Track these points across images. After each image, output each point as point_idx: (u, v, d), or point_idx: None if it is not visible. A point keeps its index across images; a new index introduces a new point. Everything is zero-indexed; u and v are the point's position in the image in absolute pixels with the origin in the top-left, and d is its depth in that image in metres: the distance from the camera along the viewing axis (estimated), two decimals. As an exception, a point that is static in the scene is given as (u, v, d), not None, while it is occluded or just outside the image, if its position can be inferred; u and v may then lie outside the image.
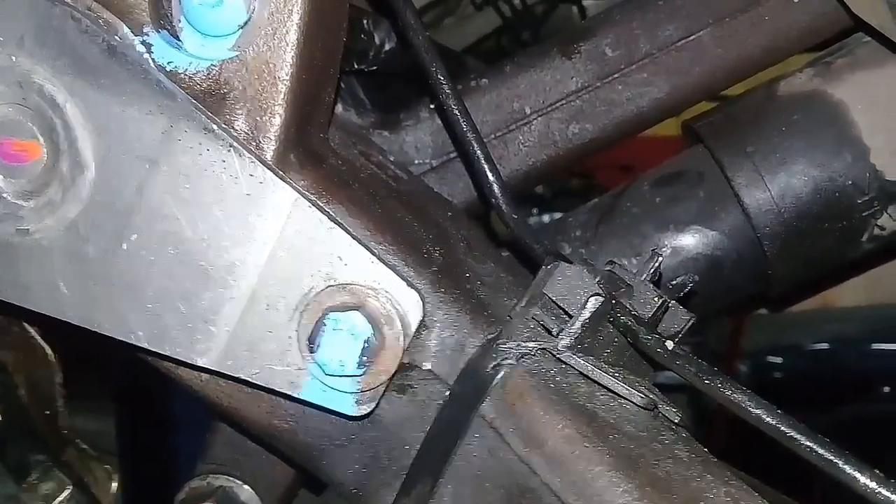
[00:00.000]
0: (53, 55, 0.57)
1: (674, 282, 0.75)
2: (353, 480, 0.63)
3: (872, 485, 0.49)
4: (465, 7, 2.01)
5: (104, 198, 0.58)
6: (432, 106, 0.87)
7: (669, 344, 0.56)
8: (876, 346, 3.58)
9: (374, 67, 0.91)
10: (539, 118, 0.84)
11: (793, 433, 0.51)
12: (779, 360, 3.51)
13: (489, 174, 0.66)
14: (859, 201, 0.77)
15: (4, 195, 0.59)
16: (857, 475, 0.49)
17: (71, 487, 0.65)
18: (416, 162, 0.87)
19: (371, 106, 0.90)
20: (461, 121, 0.67)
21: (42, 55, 0.57)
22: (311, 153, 0.63)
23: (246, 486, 0.77)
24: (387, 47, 0.91)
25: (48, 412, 0.72)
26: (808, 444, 0.51)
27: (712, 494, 0.53)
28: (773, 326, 3.49)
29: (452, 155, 0.86)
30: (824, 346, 3.61)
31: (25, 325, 0.74)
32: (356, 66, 0.89)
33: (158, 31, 0.58)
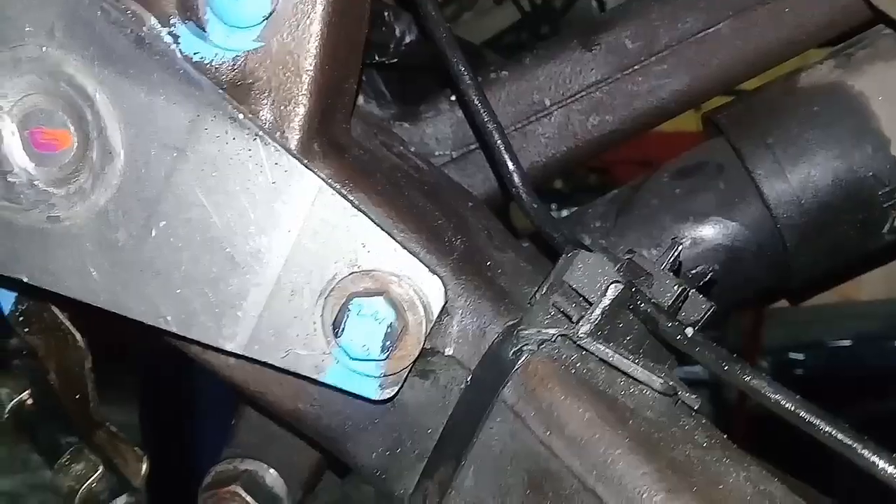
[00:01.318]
0: (83, 45, 0.58)
1: (693, 271, 0.75)
2: (376, 463, 0.64)
3: (892, 469, 0.49)
4: (485, 2, 2.01)
5: (133, 185, 0.59)
6: (453, 98, 0.88)
7: (689, 331, 0.57)
8: (898, 343, 3.55)
9: (395, 60, 0.92)
10: (559, 110, 0.85)
11: (812, 419, 0.52)
12: (800, 356, 3.49)
13: (509, 163, 0.67)
14: (880, 193, 0.77)
15: (36, 183, 0.60)
16: (877, 460, 0.50)
17: (102, 468, 0.67)
18: (437, 153, 0.88)
19: (391, 98, 0.91)
20: (482, 111, 0.68)
21: (72, 46, 0.58)
22: (334, 143, 0.64)
23: (271, 470, 0.78)
24: (407, 40, 0.92)
25: (78, 396, 0.74)
26: (827, 429, 0.51)
27: (731, 478, 0.54)
28: (793, 322, 3.47)
29: (472, 147, 0.87)
30: (846, 342, 3.58)
31: (55, 311, 0.75)
32: (377, 59, 0.90)
33: (185, 23, 0.60)
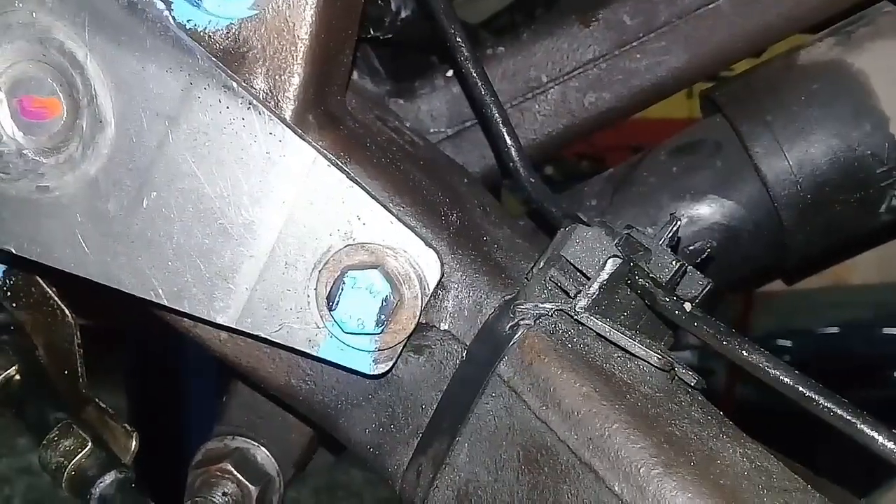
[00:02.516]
0: (74, 11, 0.57)
1: (691, 248, 0.75)
2: (369, 440, 0.63)
3: (891, 444, 0.49)
4: (480, -17, 2.00)
5: (124, 155, 0.58)
6: (448, 74, 0.87)
7: (688, 305, 0.56)
8: (886, 330, 3.57)
9: (390, 36, 0.91)
10: (555, 87, 0.84)
11: (811, 394, 0.51)
12: (788, 343, 3.51)
13: (507, 137, 0.66)
14: (878, 171, 0.77)
15: (25, 152, 0.59)
16: (876, 435, 0.50)
17: (91, 445, 0.66)
18: (432, 130, 0.87)
19: (385, 75, 0.90)
20: (479, 84, 0.67)
21: (63, 11, 0.57)
22: (329, 114, 0.63)
23: (262, 448, 0.78)
24: (403, 15, 0.91)
25: (66, 372, 0.73)
26: (826, 404, 0.51)
27: (728, 454, 0.54)
28: (782, 309, 3.48)
29: (468, 124, 0.86)
30: (834, 329, 3.60)
31: (44, 285, 0.74)
32: (372, 34, 0.88)
33: (178, -11, 0.58)
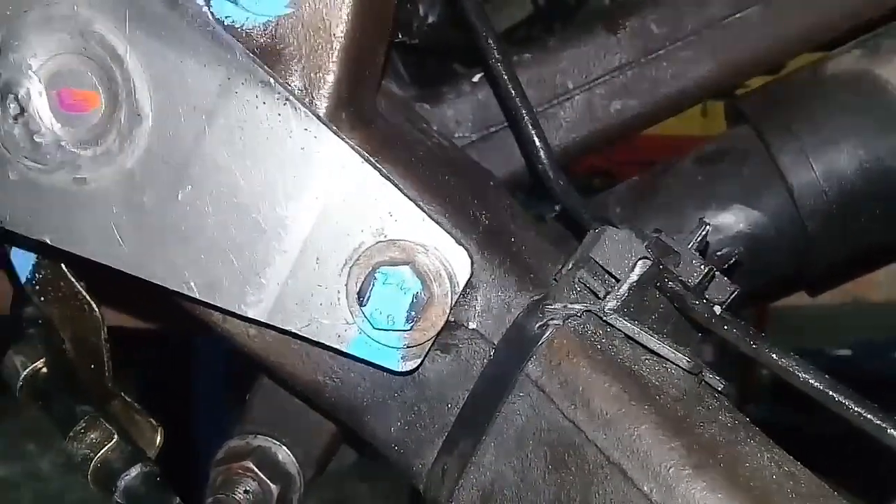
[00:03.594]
0: (115, 5, 0.58)
1: (718, 253, 0.75)
2: (394, 437, 0.63)
3: (922, 449, 0.49)
4: (499, -4, 2.01)
5: (161, 148, 0.59)
6: (474, 80, 0.88)
7: (717, 308, 0.56)
8: (899, 353, 3.55)
9: (416, 41, 0.92)
10: (581, 94, 0.84)
11: (841, 398, 0.51)
12: (800, 364, 3.48)
13: (536, 140, 0.67)
14: (904, 182, 0.77)
15: (63, 143, 0.60)
16: (907, 440, 0.49)
17: (116, 437, 0.66)
18: (457, 135, 0.88)
19: (409, 80, 0.91)
20: (510, 86, 0.68)
21: (103, 5, 0.58)
22: (361, 113, 0.64)
23: (284, 448, 0.78)
24: (430, 20, 0.92)
25: (93, 366, 0.73)
26: (856, 409, 0.51)
27: (756, 458, 0.53)
28: (794, 329, 3.47)
29: (493, 129, 0.86)
30: (847, 352, 3.58)
31: (72, 279, 0.75)
32: (400, 38, 0.89)
33: (217, -14, 0.59)
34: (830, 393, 0.52)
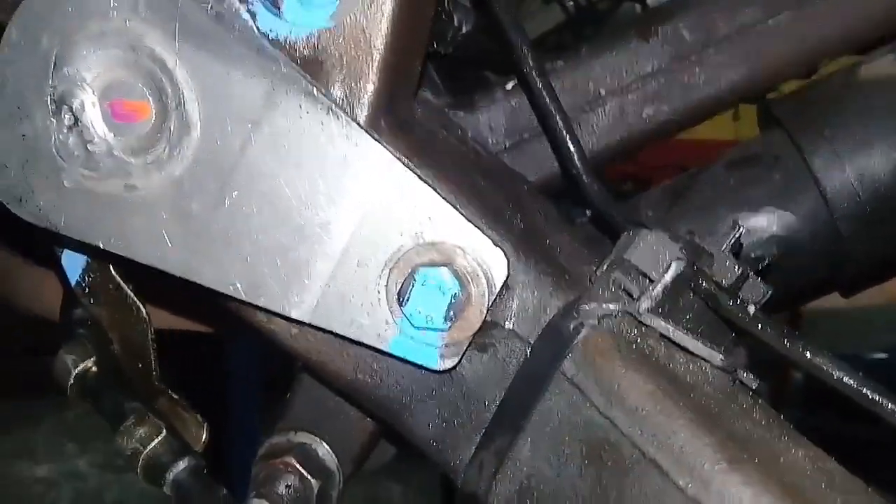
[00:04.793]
0: (164, 20, 0.61)
1: (752, 255, 0.76)
2: (432, 434, 0.65)
3: (955, 447, 0.49)
4: (531, 3, 2.03)
5: (208, 156, 0.61)
6: (508, 87, 0.89)
7: (751, 308, 0.57)
8: (937, 357, 3.49)
9: (450, 50, 0.93)
10: (614, 100, 0.85)
11: (876, 396, 0.52)
12: (835, 368, 3.44)
13: (570, 144, 0.68)
14: (938, 184, 0.77)
15: (115, 152, 0.62)
16: (940, 438, 0.50)
17: (164, 432, 0.69)
18: (491, 142, 0.89)
19: (443, 89, 0.92)
20: (544, 93, 0.69)
21: (154, 20, 0.61)
22: (399, 121, 0.66)
23: (324, 444, 0.80)
24: (464, 30, 0.93)
25: (140, 365, 0.76)
26: (892, 407, 0.52)
27: (790, 454, 0.54)
28: (829, 333, 3.42)
29: (525, 136, 0.88)
30: (883, 355, 3.53)
31: (120, 282, 0.78)
32: (434, 47, 0.91)
33: (262, 0, 0.61)
34: (865, 391, 0.53)
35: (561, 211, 0.80)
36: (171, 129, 0.62)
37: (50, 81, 0.61)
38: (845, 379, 0.53)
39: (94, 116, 0.62)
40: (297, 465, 0.78)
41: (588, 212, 0.79)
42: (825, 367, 0.53)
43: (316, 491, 0.78)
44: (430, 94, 0.90)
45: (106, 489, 3.74)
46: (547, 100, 0.69)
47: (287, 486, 0.76)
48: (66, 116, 0.62)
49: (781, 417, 0.60)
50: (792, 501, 0.50)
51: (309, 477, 0.78)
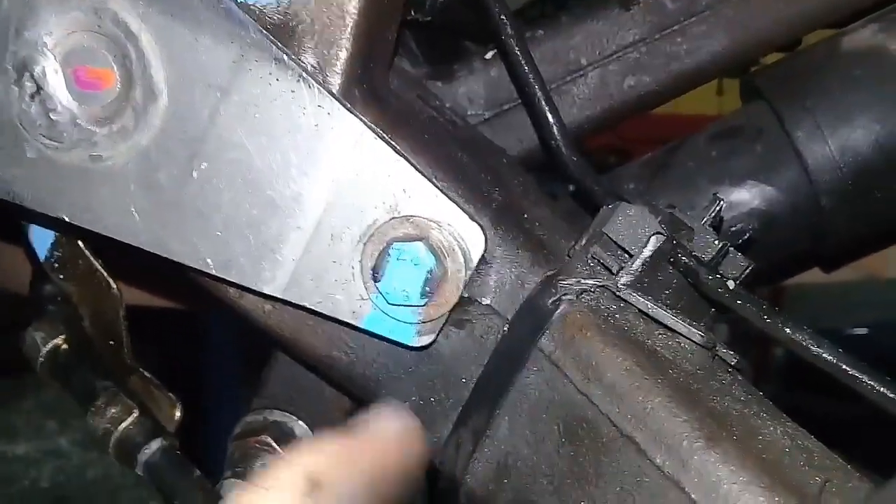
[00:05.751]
0: (129, -17, 0.58)
1: (732, 229, 0.75)
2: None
3: (935, 423, 0.49)
4: (512, -25, 2.00)
5: (176, 125, 0.59)
6: (487, 57, 0.87)
7: (731, 283, 0.56)
8: (917, 331, 3.52)
9: (429, 18, 0.91)
10: (595, 70, 0.84)
11: (855, 372, 0.51)
12: (815, 343, 3.46)
13: (549, 115, 0.67)
14: (921, 158, 0.76)
15: (78, 121, 0.60)
16: (921, 414, 0.49)
17: (137, 412, 0.67)
18: (469, 113, 0.87)
19: (422, 58, 0.90)
20: (523, 62, 0.67)
21: (117, -17, 0.58)
22: (374, 90, 0.64)
23: (300, 422, 0.79)
24: (443, -3, 0.91)
25: (112, 342, 0.74)
26: (871, 382, 0.51)
27: (769, 431, 0.54)
28: (810, 308, 3.45)
29: (505, 107, 0.86)
30: (863, 330, 3.56)
31: (90, 257, 0.76)
32: (411, 15, 0.89)
33: (231, -36, 0.59)
34: (844, 367, 0.52)
35: (541, 184, 0.79)
36: (137, 96, 0.59)
37: (10, 47, 0.59)
38: (825, 355, 0.52)
39: (56, 84, 0.60)
40: (273, 444, 0.76)
41: (571, 186, 0.78)
42: (805, 344, 0.52)
43: (292, 469, 0.77)
44: (407, 64, 0.88)
45: (87, 467, 3.72)
46: (526, 69, 0.67)
47: (263, 465, 0.75)
48: (28, 84, 0.60)
49: (761, 394, 0.59)
50: (770, 479, 0.49)
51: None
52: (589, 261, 0.60)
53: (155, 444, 0.66)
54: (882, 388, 0.51)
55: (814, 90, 0.78)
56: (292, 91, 0.58)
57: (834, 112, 0.77)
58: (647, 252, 0.58)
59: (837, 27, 0.83)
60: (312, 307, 0.60)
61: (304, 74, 0.58)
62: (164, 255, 0.61)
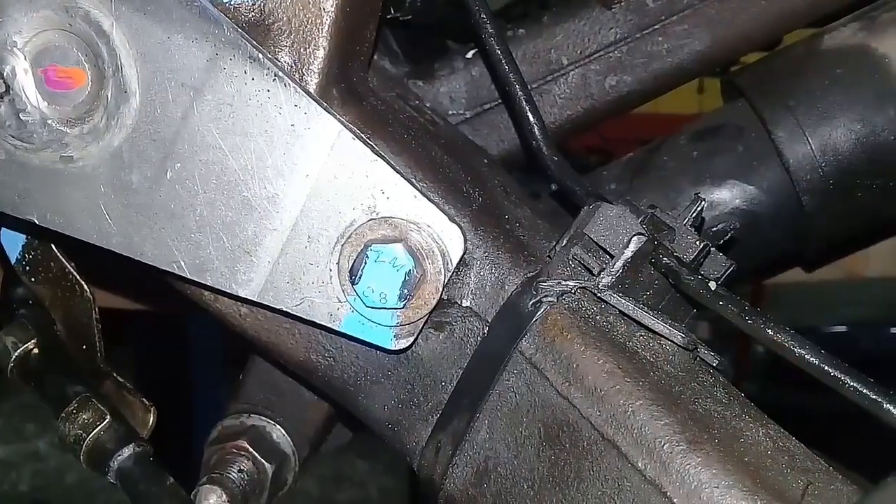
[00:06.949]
0: (100, -19, 0.57)
1: (714, 229, 0.75)
2: (388, 416, 0.63)
3: (917, 424, 0.49)
4: (495, -27, 1.99)
5: (148, 126, 0.58)
6: (468, 56, 0.86)
7: (712, 284, 0.56)
8: (894, 330, 3.56)
9: (409, 17, 0.90)
10: (576, 69, 0.83)
11: (836, 373, 0.51)
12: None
13: (530, 116, 0.66)
14: (901, 157, 0.76)
15: (49, 122, 0.59)
16: (902, 414, 0.49)
17: (109, 418, 0.66)
18: (451, 113, 0.87)
19: (403, 57, 0.89)
20: (503, 62, 0.67)
21: (88, -19, 0.57)
22: (352, 90, 0.63)
23: (278, 427, 0.78)
24: (423, -4, 0.90)
25: (84, 346, 0.73)
26: (852, 383, 0.51)
27: (751, 433, 0.53)
28: (789, 306, 3.47)
29: (486, 107, 0.86)
30: (842, 328, 3.59)
31: (63, 260, 0.74)
32: (391, 13, 0.88)
33: (204, -39, 0.58)
34: (826, 368, 0.52)
35: (523, 184, 0.78)
36: (109, 96, 0.58)
37: (-22, 46, 0.57)
38: (806, 356, 0.51)
39: (26, 84, 0.59)
40: (251, 449, 0.75)
41: (553, 186, 0.77)
42: (785, 344, 0.52)
43: (270, 475, 0.76)
44: (387, 63, 0.87)
45: (66, 470, 3.68)
46: (506, 69, 0.66)
47: (240, 471, 0.74)
48: (-3, 84, 0.58)
49: (743, 396, 0.59)
50: (752, 482, 0.49)
51: (262, 460, 0.75)
52: (570, 262, 0.59)
53: (127, 451, 0.65)
54: (863, 389, 0.50)
55: (795, 89, 0.78)
56: (268, 90, 0.57)
57: (815, 111, 0.77)
58: (628, 253, 0.57)
59: (818, 26, 0.83)
60: (289, 310, 0.59)
61: (280, 73, 0.57)
62: (137, 259, 0.60)
